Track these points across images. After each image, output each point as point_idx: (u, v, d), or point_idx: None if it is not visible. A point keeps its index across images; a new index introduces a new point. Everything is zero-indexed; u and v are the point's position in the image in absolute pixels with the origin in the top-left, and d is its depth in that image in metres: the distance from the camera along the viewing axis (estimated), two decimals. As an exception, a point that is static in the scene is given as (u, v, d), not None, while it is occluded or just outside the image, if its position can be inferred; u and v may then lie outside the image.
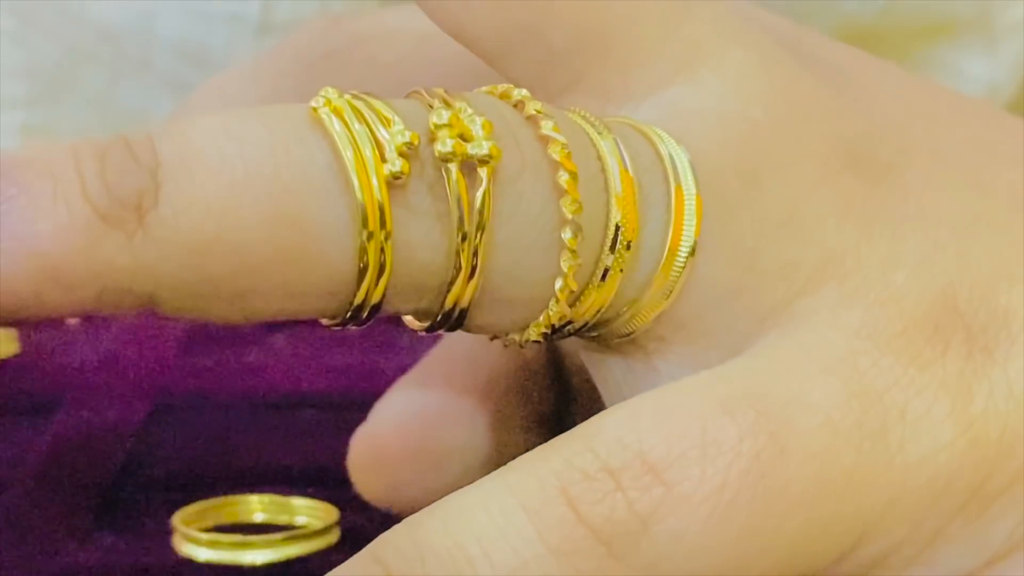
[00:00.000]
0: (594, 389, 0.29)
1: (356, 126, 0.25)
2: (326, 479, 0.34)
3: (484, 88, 0.27)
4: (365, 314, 0.26)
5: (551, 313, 0.26)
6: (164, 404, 0.39)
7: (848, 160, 0.27)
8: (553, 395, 0.34)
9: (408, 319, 0.27)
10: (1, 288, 0.24)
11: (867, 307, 0.26)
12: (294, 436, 0.37)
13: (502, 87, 0.27)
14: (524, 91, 0.26)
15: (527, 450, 0.32)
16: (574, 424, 0.33)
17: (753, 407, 0.25)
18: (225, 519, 0.33)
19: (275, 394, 0.39)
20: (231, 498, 0.33)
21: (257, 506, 0.33)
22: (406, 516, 0.31)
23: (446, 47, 0.28)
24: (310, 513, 0.33)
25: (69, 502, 0.34)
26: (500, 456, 0.32)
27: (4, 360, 0.41)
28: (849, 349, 0.26)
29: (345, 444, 0.33)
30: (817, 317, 0.26)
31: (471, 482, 0.32)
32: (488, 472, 0.32)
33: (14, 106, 0.48)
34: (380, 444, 0.32)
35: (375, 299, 0.25)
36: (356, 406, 0.35)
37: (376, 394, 0.33)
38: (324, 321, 0.26)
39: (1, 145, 0.47)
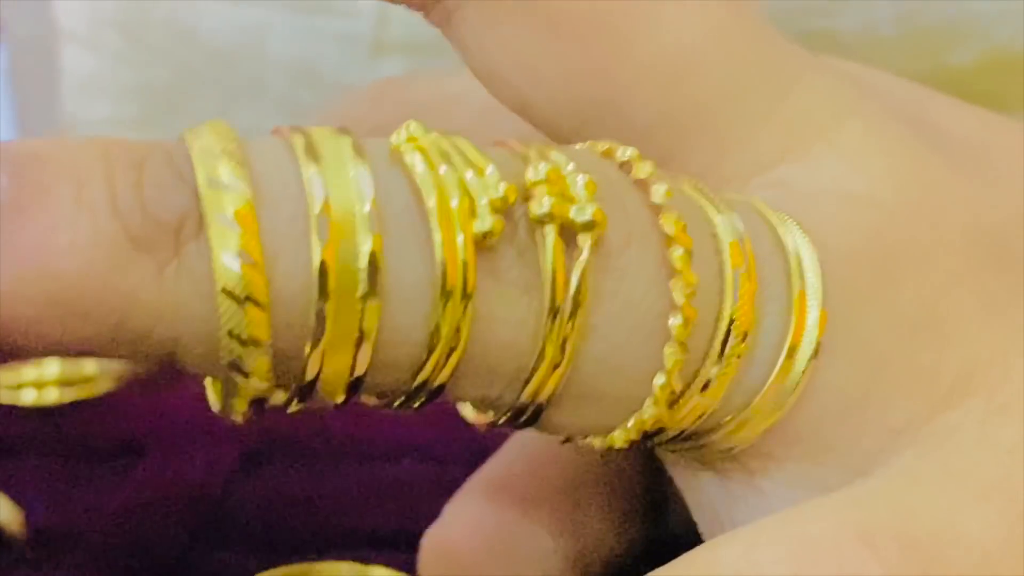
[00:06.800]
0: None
1: (442, 169, 0.21)
2: (414, 543, 0.31)
3: (582, 143, 0.23)
4: (424, 397, 0.22)
5: (645, 417, 0.22)
6: (253, 451, 0.36)
7: (989, 254, 0.24)
8: (644, 481, 0.30)
9: (467, 411, 0.24)
10: (1, 310, 0.20)
11: (1022, 423, 0.23)
12: (389, 492, 0.35)
13: (604, 143, 0.23)
14: (632, 149, 0.23)
15: (615, 545, 0.29)
16: (670, 509, 0.30)
17: (897, 539, 0.21)
18: (301, 586, 0.31)
19: (374, 443, 0.36)
20: (308, 566, 0.31)
21: (334, 574, 0.31)
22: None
23: (508, 121, 0.25)
24: (387, 584, 0.31)
25: (144, 558, 0.32)
26: (584, 554, 0.29)
27: (95, 398, 0.38)
28: (1005, 473, 0.22)
29: (443, 504, 0.30)
30: (963, 434, 0.23)
31: None
32: (570, 572, 0.28)
33: (126, 127, 0.46)
34: (453, 549, 0.28)
35: (441, 379, 0.22)
36: (459, 460, 0.33)
37: (482, 448, 0.30)
38: (367, 399, 0.22)
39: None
